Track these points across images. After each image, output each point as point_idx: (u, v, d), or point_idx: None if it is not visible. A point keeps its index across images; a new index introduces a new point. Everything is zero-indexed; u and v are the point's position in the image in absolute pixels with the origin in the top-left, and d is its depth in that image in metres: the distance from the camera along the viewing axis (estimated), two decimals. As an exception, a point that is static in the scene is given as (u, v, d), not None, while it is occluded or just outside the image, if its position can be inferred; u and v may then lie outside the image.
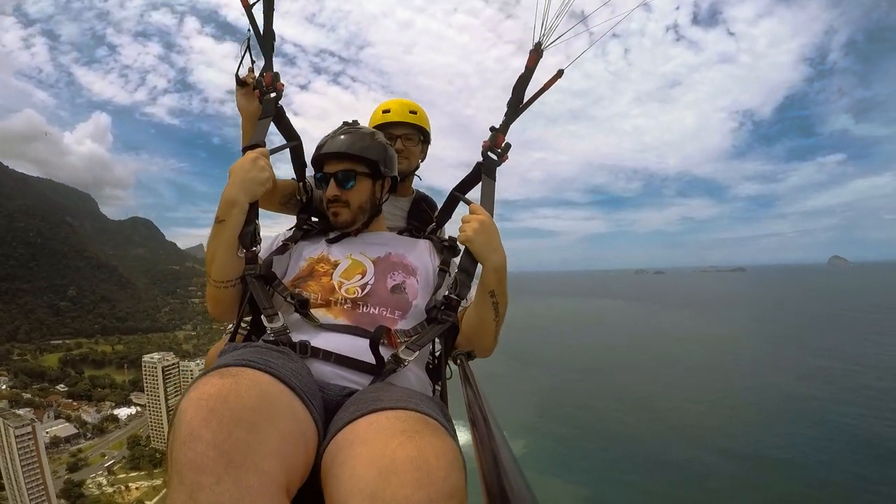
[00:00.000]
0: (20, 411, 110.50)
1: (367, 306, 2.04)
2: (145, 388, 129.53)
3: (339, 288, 2.09)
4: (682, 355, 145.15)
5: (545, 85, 2.52)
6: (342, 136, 2.29)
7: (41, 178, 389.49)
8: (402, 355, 1.82)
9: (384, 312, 2.05)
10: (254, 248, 2.12)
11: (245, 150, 2.21)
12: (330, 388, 1.71)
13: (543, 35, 2.46)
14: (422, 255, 2.35)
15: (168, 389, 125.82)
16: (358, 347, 1.84)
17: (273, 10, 2.51)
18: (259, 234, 2.15)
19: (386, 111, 3.04)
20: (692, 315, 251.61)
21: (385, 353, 1.85)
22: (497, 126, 2.44)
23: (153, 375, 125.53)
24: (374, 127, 2.87)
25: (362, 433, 1.30)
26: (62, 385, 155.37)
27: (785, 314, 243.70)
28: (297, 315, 1.99)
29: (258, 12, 2.46)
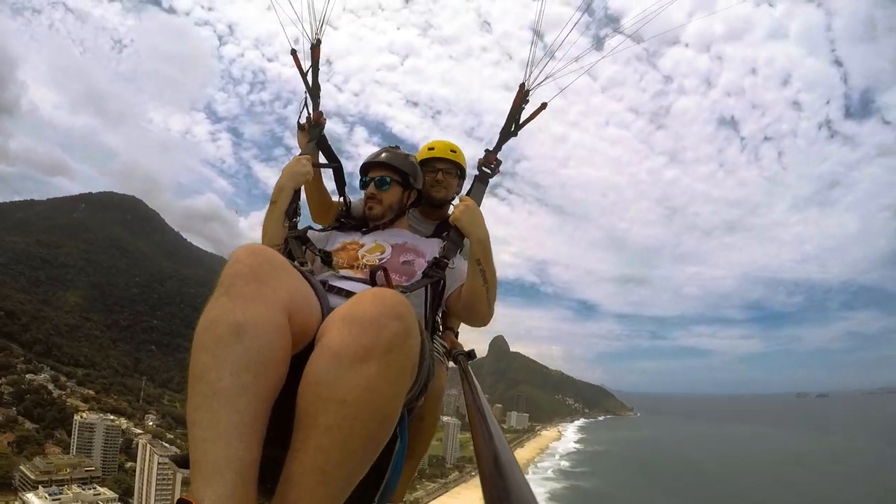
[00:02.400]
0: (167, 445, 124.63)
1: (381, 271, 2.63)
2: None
3: (361, 259, 2.93)
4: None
5: (531, 115, 3.53)
6: (385, 153, 3.29)
7: (214, 254, 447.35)
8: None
9: (394, 275, 2.71)
10: (295, 220, 3.17)
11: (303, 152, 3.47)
12: None
13: (527, 78, 3.43)
14: (433, 246, 3.14)
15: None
16: (363, 289, 2.25)
17: (318, 70, 3.76)
18: (299, 211, 3.25)
19: (431, 148, 3.82)
20: (858, 443, 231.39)
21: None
22: (490, 149, 3.48)
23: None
24: (421, 159, 3.66)
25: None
26: None
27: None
28: (324, 267, 2.87)
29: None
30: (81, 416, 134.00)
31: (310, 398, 1.54)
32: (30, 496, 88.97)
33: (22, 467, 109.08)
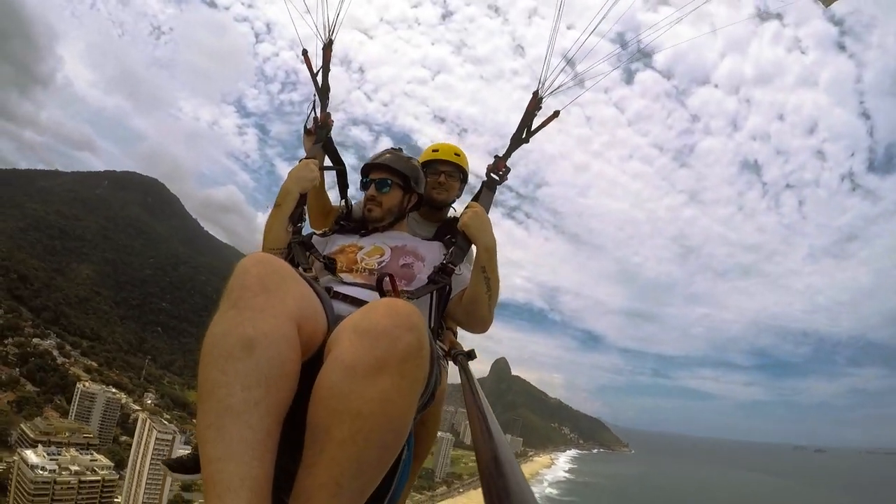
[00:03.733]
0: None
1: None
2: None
3: (360, 262, 2.88)
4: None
5: (543, 122, 3.51)
6: (388, 154, 3.22)
7: (228, 244, 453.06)
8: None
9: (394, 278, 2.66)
10: (299, 225, 3.12)
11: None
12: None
13: (541, 85, 3.44)
14: (432, 250, 3.08)
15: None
16: (368, 295, 2.50)
17: (329, 71, 3.71)
18: (304, 216, 3.22)
19: (435, 150, 3.80)
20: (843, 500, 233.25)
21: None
22: (500, 155, 3.43)
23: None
24: (424, 160, 3.69)
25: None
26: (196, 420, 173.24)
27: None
28: (326, 273, 2.82)
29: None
30: (84, 385, 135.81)
31: (322, 411, 1.52)
32: (28, 453, 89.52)
33: (22, 426, 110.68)
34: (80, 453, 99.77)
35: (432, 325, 2.80)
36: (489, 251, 2.82)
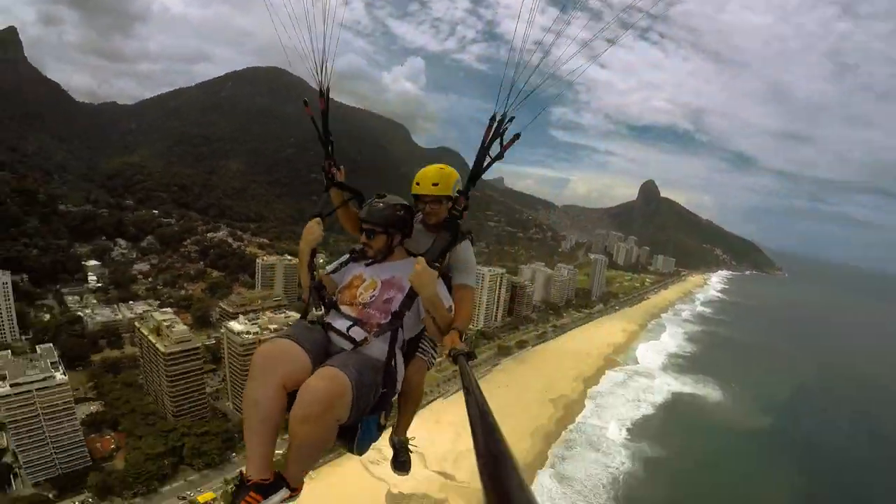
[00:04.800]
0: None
1: (369, 308, 4.22)
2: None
3: (358, 297, 4.29)
4: None
5: (503, 147, 4.17)
6: (369, 209, 4.38)
7: (360, 108, 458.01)
8: (370, 339, 4.00)
9: (376, 313, 4.18)
10: (314, 273, 4.60)
11: (311, 216, 4.80)
12: (336, 348, 4.08)
13: (497, 111, 4.03)
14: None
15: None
16: (352, 330, 4.07)
17: (328, 119, 5.15)
18: (316, 267, 4.68)
19: (417, 183, 4.57)
20: None
21: (360, 335, 4.02)
22: (461, 189, 4.50)
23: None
24: (413, 193, 4.63)
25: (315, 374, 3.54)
26: None
27: None
28: (332, 308, 4.32)
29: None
30: (262, 260, 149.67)
31: (290, 426, 3.45)
32: (231, 324, 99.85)
33: (220, 304, 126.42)
34: (275, 314, 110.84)
35: (404, 339, 4.27)
36: (430, 300, 3.98)
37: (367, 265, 4.51)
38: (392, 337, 4.08)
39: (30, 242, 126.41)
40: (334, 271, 4.75)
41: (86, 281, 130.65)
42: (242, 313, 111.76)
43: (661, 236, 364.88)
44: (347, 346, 4.05)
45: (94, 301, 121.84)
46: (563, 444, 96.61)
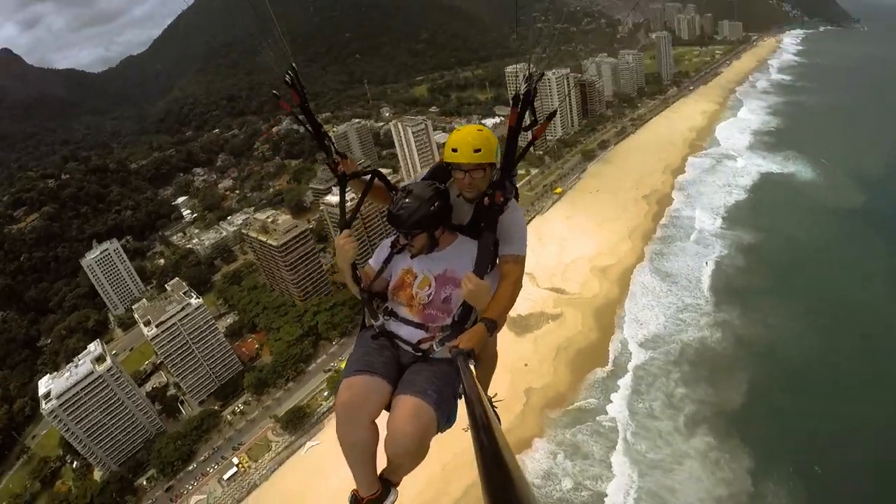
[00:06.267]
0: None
1: (429, 308, 4.10)
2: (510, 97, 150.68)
3: (415, 297, 4.14)
4: None
5: (538, 130, 3.86)
6: (399, 213, 3.94)
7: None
8: (435, 347, 3.92)
9: (437, 313, 4.08)
10: (359, 283, 4.26)
11: (338, 227, 4.41)
12: (405, 356, 4.07)
13: (520, 88, 3.72)
14: (465, 263, 4.00)
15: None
16: (417, 335, 4.07)
17: (311, 112, 4.46)
18: (359, 276, 4.27)
19: (454, 150, 3.99)
20: None
21: (426, 345, 3.99)
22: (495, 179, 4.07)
23: (514, 84, 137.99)
24: (446, 161, 4.17)
25: (395, 404, 3.68)
26: (434, 107, 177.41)
27: None
28: (388, 314, 4.24)
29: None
30: (334, 130, 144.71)
31: (388, 458, 3.78)
32: (327, 198, 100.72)
33: (310, 185, 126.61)
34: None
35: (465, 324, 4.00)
36: (483, 308, 3.87)
37: (413, 255, 4.24)
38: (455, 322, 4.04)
39: (120, 207, 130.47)
40: (380, 270, 4.40)
41: (182, 217, 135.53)
42: (335, 185, 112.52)
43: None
44: (414, 354, 4.08)
45: (196, 230, 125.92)
46: (659, 240, 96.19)
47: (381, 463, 4.04)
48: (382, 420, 3.81)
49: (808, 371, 62.56)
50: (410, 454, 3.60)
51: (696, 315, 74.80)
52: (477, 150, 3.89)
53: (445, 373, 3.86)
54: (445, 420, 3.82)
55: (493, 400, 4.44)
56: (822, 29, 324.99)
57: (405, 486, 4.09)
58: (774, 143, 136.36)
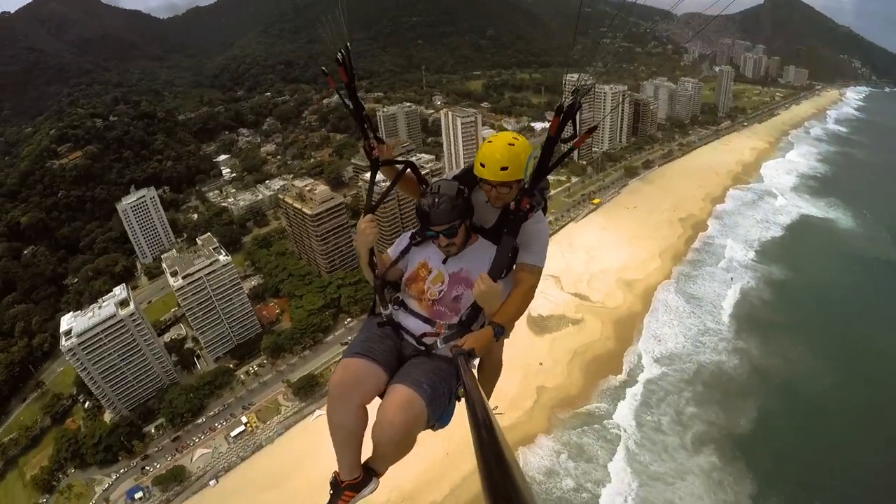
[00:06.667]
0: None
1: (438, 305, 4.13)
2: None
3: (427, 291, 4.17)
4: None
5: (576, 142, 3.75)
6: (436, 210, 3.96)
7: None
8: (438, 344, 3.97)
9: (445, 310, 4.11)
10: (374, 271, 4.28)
11: (364, 210, 4.38)
12: (407, 347, 4.15)
13: (565, 99, 3.62)
14: (482, 265, 3.98)
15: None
16: (422, 328, 4.11)
17: (356, 93, 4.47)
18: (375, 262, 4.29)
19: (482, 164, 3.97)
20: None
21: (430, 340, 4.04)
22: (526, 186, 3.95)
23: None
24: (475, 173, 4.09)
25: (388, 392, 3.71)
26: (486, 103, 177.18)
27: None
28: (398, 305, 4.29)
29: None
30: (383, 111, 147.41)
31: (374, 444, 3.73)
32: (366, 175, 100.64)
33: (352, 160, 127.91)
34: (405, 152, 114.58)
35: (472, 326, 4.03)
36: (492, 312, 3.91)
37: (451, 255, 4.26)
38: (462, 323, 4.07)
39: (162, 157, 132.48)
40: (396, 260, 4.48)
41: (221, 175, 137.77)
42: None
43: (792, 45, 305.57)
44: (417, 347, 4.13)
45: (233, 190, 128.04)
46: (689, 263, 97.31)
47: (368, 452, 4.05)
48: (374, 408, 3.81)
49: (821, 410, 63.07)
50: (394, 444, 3.61)
51: (715, 339, 75.62)
52: (504, 168, 3.87)
53: (444, 370, 3.88)
54: (437, 418, 3.82)
55: (494, 411, 3.59)
56: (887, 90, 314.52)
57: (406, 465, 4.13)
58: (819, 188, 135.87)
